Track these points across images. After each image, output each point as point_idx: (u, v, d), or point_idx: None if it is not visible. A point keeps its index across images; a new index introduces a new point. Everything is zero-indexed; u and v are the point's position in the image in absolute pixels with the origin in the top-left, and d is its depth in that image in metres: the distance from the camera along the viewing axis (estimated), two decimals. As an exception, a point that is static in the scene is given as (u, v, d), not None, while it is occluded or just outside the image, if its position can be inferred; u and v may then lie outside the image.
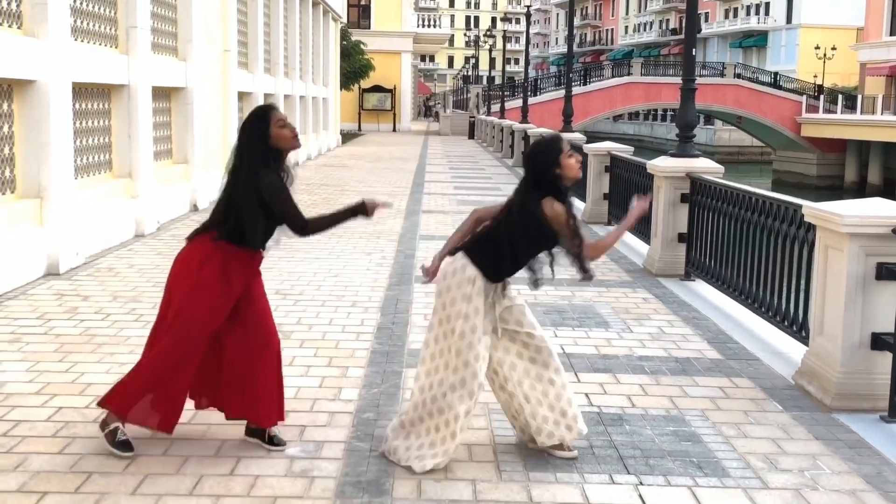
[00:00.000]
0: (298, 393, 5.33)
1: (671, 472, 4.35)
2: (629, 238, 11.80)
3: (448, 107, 60.56)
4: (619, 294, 8.40)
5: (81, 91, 9.86)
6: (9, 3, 8.32)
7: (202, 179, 13.89)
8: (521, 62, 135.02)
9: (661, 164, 9.41)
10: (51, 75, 8.59)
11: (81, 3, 9.99)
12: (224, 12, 16.05)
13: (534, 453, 4.51)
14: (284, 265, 9.43)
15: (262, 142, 4.24)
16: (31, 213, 8.48)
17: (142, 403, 4.31)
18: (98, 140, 10.64)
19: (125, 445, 4.31)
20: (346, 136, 40.58)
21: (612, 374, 5.87)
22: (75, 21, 9.76)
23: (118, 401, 4.31)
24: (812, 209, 5.55)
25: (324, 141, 30.43)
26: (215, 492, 3.99)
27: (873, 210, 5.16)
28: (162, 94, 13.09)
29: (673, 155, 9.46)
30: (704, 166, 9.02)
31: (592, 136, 59.97)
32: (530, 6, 30.85)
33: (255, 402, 4.45)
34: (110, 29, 10.78)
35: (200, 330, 4.28)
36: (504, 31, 41.56)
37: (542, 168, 4.24)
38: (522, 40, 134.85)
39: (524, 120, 26.52)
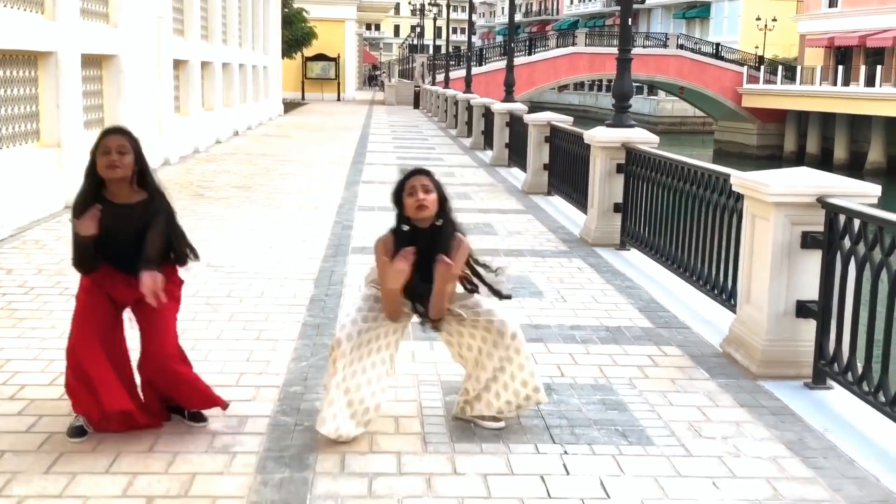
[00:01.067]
0: (224, 367, 5.24)
1: (596, 440, 4.36)
2: (565, 207, 11.85)
3: (394, 76, 60.13)
4: (554, 264, 8.41)
5: (4, 58, 9.52)
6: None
7: (136, 149, 13.57)
8: (466, 31, 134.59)
9: (597, 135, 9.41)
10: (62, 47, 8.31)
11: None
12: (158, -23, 15.66)
13: (460, 425, 4.49)
14: (217, 237, 9.27)
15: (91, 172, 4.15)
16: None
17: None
18: (24, 109, 10.32)
19: (78, 431, 4.17)
20: (289, 106, 40.09)
21: (543, 344, 5.86)
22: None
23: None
24: (740, 179, 5.58)
25: (265, 110, 30.00)
26: (133, 469, 3.90)
27: (799, 180, 5.20)
28: (92, 62, 12.74)
29: (609, 125, 9.47)
30: (640, 136, 9.04)
31: (537, 107, 60.07)
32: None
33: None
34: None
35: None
36: (448, 0, 41.19)
37: (393, 202, 4.20)
38: (467, 9, 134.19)
39: (468, 90, 26.40)
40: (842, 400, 4.92)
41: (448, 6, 41.48)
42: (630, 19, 9.44)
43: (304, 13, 43.38)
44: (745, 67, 53.83)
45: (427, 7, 54.06)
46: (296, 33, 41.49)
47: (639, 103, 66.44)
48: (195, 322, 6.15)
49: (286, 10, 40.23)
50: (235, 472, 3.91)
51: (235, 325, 6.13)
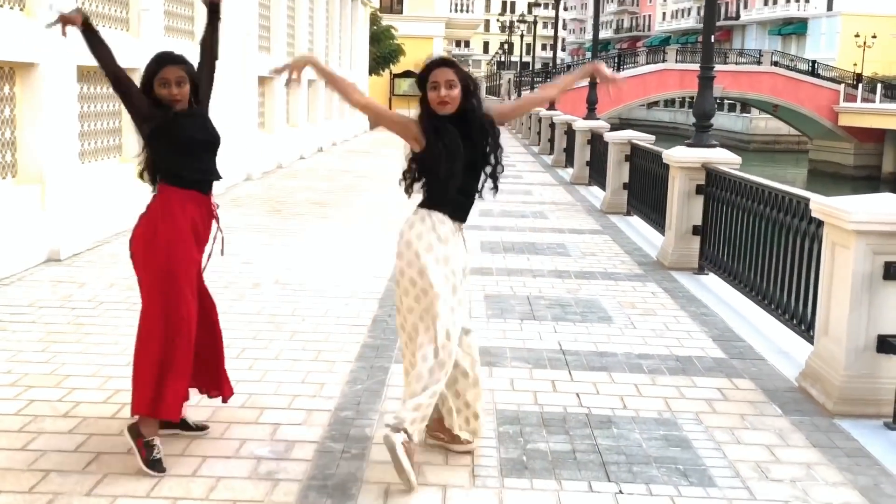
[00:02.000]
0: (279, 389, 5.18)
1: (654, 479, 4.13)
2: (643, 228, 11.55)
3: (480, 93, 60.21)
4: (627, 288, 8.16)
5: (87, 74, 9.75)
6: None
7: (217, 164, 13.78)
8: (559, 47, 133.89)
9: (676, 155, 9.13)
10: (46, 58, 8.50)
11: (89, -14, 9.88)
12: (244, -4, 15.93)
13: (512, 458, 4.31)
14: (288, 253, 9.30)
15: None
16: (33, 198, 8.40)
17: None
18: (106, 124, 10.55)
19: (157, 464, 4.03)
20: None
21: (607, 373, 5.65)
22: (80, 1, 9.64)
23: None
24: (819, 204, 5.29)
25: (350, 126, 30.30)
26: (174, 494, 3.84)
27: (883, 206, 4.89)
28: (178, 79, 12.98)
29: (689, 144, 9.17)
30: (721, 157, 8.73)
31: (626, 123, 59.37)
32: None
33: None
34: (121, 11, 10.67)
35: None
36: (535, 16, 40.99)
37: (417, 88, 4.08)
38: (559, 25, 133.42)
39: (551, 107, 26.13)
40: (926, 444, 4.58)
41: (535, 23, 41.29)
42: (713, 35, 9.15)
43: (393, 30, 43.71)
44: (843, 85, 52.13)
45: (515, 24, 53.99)
46: (384, 50, 41.80)
47: (731, 120, 65.07)
48: (256, 341, 6.12)
49: (374, 27, 40.62)
50: (276, 501, 3.82)
51: (295, 344, 6.07)
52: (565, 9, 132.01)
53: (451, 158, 3.96)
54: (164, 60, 4.19)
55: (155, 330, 4.07)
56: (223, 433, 4.49)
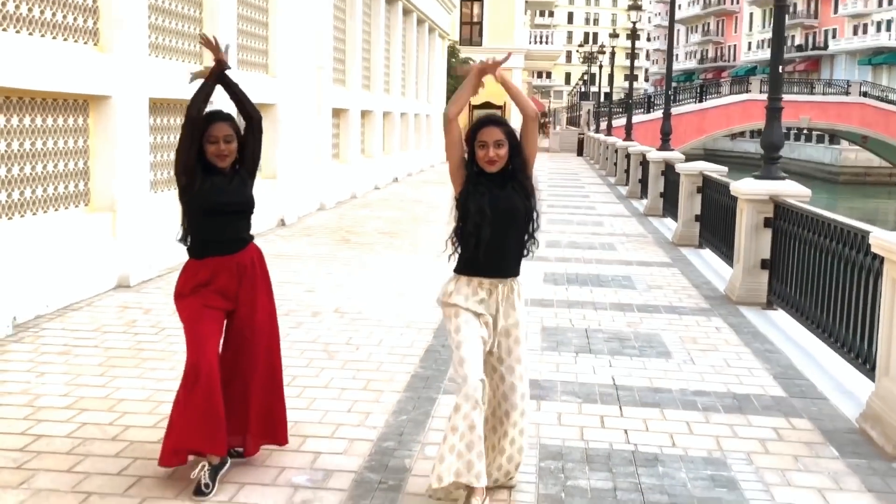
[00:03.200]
0: (325, 417, 5.22)
1: (695, 522, 4.02)
2: (714, 261, 11.33)
3: (560, 123, 60.14)
4: (690, 322, 8.00)
5: (158, 107, 10.06)
6: (84, 21, 8.57)
7: (290, 195, 14.05)
8: (641, 78, 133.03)
9: (743, 187, 8.95)
10: (123, 90, 8.81)
11: (157, 19, 10.21)
12: (318, 30, 16.25)
13: (551, 496, 4.25)
14: (352, 282, 9.38)
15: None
16: (104, 226, 8.67)
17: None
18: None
19: (200, 491, 4.11)
20: (453, 153, 40.56)
21: (659, 410, 5.53)
22: (153, 37, 9.98)
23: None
24: (879, 239, 5.11)
25: (426, 157, 30.56)
26: (208, 520, 3.89)
27: (944, 241, 4.70)
28: (252, 110, 13.29)
29: (757, 177, 8.99)
30: (790, 190, 8.53)
31: (711, 155, 58.27)
32: (636, 22, 30.21)
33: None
34: (192, 45, 11.00)
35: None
36: (612, 48, 40.82)
37: (466, 146, 4.12)
38: (642, 56, 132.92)
39: (627, 137, 25.96)
40: None
41: (613, 54, 41.13)
42: (785, 66, 8.97)
43: (471, 62, 44.12)
44: (936, 115, 50.54)
45: (595, 55, 53.90)
46: (461, 82, 42.15)
47: (819, 152, 63.49)
48: (308, 368, 6.18)
49: (453, 59, 40.99)
50: (307, 530, 3.83)
51: (346, 373, 6.11)
52: (648, 39, 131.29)
53: (480, 221, 3.98)
54: (213, 118, 4.31)
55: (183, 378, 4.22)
56: (265, 460, 4.54)
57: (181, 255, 4.47)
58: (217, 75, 4.39)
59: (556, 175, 28.96)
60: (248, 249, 4.46)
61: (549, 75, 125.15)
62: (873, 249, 5.25)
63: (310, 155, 15.83)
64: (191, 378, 4.12)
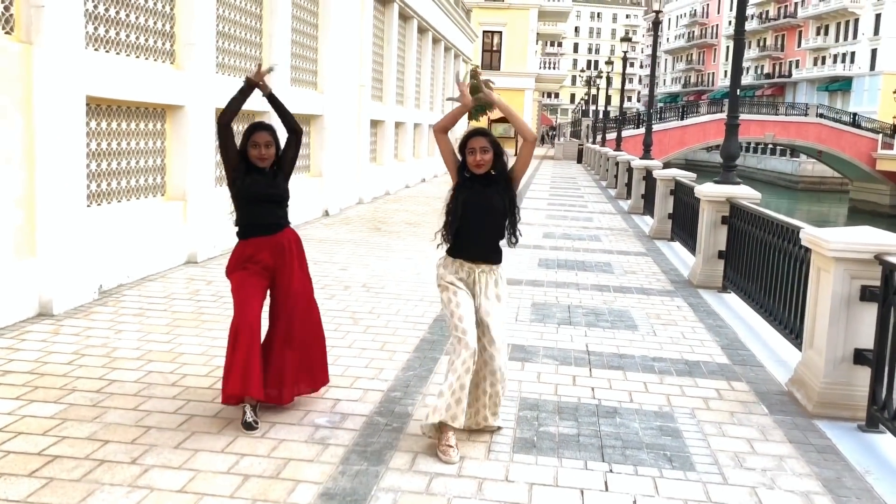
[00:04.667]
0: (346, 371, 5.27)
1: (642, 462, 4.04)
2: (682, 252, 11.27)
3: (563, 136, 59.76)
4: (657, 301, 7.98)
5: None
6: (162, 44, 8.67)
7: (333, 190, 14.12)
8: (634, 98, 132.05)
9: (705, 190, 8.90)
10: (194, 101, 8.89)
11: (223, 43, 10.29)
12: (360, 53, 16.29)
13: (526, 437, 4.29)
14: (379, 262, 9.44)
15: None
16: (177, 213, 8.78)
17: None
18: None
19: (249, 426, 4.18)
20: (474, 159, 40.48)
21: (622, 372, 5.54)
22: (220, 58, 10.06)
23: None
24: (808, 234, 5.08)
25: (451, 162, 30.48)
26: (243, 451, 3.97)
27: (859, 237, 4.67)
28: (303, 120, 13.37)
29: (717, 182, 8.93)
30: (742, 193, 8.46)
31: (690, 164, 57.22)
32: (626, 52, 29.92)
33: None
34: (250, 65, 11.08)
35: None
36: (608, 73, 40.56)
37: (459, 154, 4.16)
38: (636, 80, 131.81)
39: (618, 148, 25.78)
40: (891, 445, 4.34)
41: (609, 79, 40.81)
42: (738, 89, 8.90)
43: (491, 83, 43.92)
44: (881, 135, 49.68)
45: (594, 79, 53.41)
46: (482, 100, 41.95)
47: (781, 164, 62.60)
48: (336, 332, 6.24)
49: (474, 81, 40.86)
50: (323, 461, 3.89)
51: (367, 336, 6.17)
52: (641, 66, 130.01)
53: (461, 213, 4.07)
54: (257, 127, 4.40)
55: (230, 331, 4.26)
56: (293, 405, 4.60)
57: (235, 238, 4.53)
58: (266, 95, 4.56)
59: (557, 179, 28.82)
60: (285, 232, 4.51)
61: (556, 95, 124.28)
62: (803, 243, 5.22)
63: (351, 158, 15.89)
64: (233, 334, 4.19)
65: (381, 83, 19.18)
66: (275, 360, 4.42)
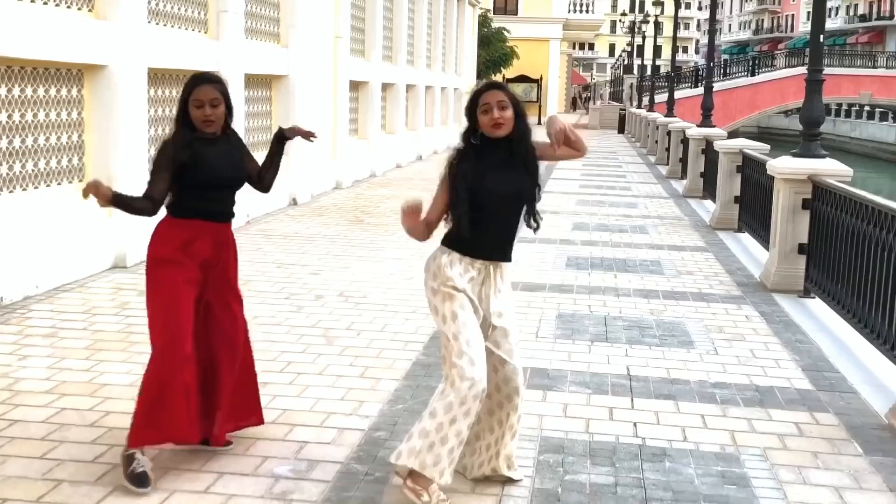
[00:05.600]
0: (316, 405, 5.26)
1: (698, 520, 4.01)
2: (752, 245, 11.23)
3: (600, 99, 59.82)
4: (719, 310, 7.95)
5: (159, 77, 10.13)
6: None
7: (303, 172, 14.11)
8: (691, 49, 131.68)
9: (779, 165, 8.87)
10: (121, 60, 8.90)
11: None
12: (335, -4, 16.31)
13: (545, 491, 4.26)
14: (360, 265, 9.43)
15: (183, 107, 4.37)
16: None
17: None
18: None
19: (141, 479, 4.11)
20: (485, 129, 40.54)
21: (674, 402, 5.52)
22: (153, 4, 10.06)
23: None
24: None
25: (453, 133, 30.51)
26: (181, 509, 3.95)
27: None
28: (263, 82, 13.38)
29: (795, 154, 8.89)
30: (830, 168, 8.42)
31: (764, 133, 57.10)
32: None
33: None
34: (200, 13, 11.06)
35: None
36: (655, 16, 40.44)
37: (466, 118, 4.11)
38: (692, 25, 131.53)
39: (669, 113, 25.73)
40: None
41: (657, 23, 40.76)
42: (822, 35, 8.85)
43: (505, 32, 43.94)
44: None
45: (638, 25, 53.45)
46: (494, 54, 42.07)
47: (882, 131, 62.52)
48: (303, 355, 6.23)
49: (484, 29, 40.92)
50: (284, 523, 3.87)
51: (343, 360, 6.15)
52: (699, 8, 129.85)
53: (484, 202, 3.98)
54: (198, 80, 4.35)
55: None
56: (247, 450, 4.58)
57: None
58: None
59: (592, 153, 28.70)
60: (229, 225, 4.53)
61: (591, 47, 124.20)
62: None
63: (325, 130, 15.88)
64: (164, 371, 4.16)
65: (364, 34, 19.18)
66: (208, 386, 4.40)
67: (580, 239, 11.56)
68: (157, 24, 10.14)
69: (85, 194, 4.12)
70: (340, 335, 6.76)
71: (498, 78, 47.55)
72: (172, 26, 10.49)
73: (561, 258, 10.11)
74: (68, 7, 8.49)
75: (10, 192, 7.86)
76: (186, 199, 4.35)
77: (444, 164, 4.12)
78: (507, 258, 4.17)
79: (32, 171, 8.14)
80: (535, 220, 4.18)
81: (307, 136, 4.79)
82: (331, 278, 8.74)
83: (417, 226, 4.09)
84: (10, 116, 7.79)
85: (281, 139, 4.73)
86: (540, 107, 52.01)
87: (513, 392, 4.15)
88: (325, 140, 15.93)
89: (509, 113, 3.99)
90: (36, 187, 8.19)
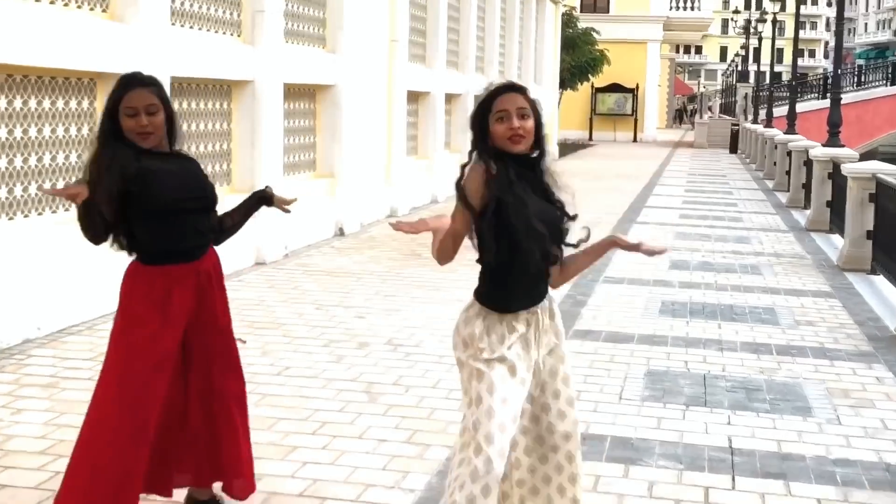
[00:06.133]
0: (352, 475, 5.27)
1: None
2: (889, 291, 11.01)
3: (708, 112, 59.46)
4: (844, 370, 7.79)
5: (182, 89, 10.34)
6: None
7: (351, 198, 14.25)
8: (818, 54, 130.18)
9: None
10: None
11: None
12: (392, -6, 16.53)
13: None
14: (414, 306, 9.46)
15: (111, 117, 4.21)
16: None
17: None
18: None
19: None
20: (568, 147, 40.63)
21: (784, 482, 5.41)
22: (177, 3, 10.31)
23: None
24: None
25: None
26: None
27: None
28: (306, 93, 13.58)
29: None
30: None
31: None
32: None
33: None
34: (231, 13, 11.29)
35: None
36: (774, 15, 40.06)
37: (471, 128, 3.92)
38: (820, 25, 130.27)
39: (790, 129, 25.46)
40: None
41: (775, 22, 40.41)
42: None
43: (593, 34, 43.97)
44: None
45: (754, 24, 53.10)
46: (580, 59, 42.08)
47: None
48: (341, 414, 6.27)
49: (569, 30, 40.99)
50: None
51: (388, 420, 6.16)
52: (828, 4, 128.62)
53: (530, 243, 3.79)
54: (130, 83, 4.20)
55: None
56: (266, 525, 4.59)
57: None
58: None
59: (697, 177, 28.60)
60: (209, 253, 4.43)
61: (698, 50, 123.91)
62: None
63: (378, 149, 16.03)
64: (109, 430, 4.16)
65: (425, 37, 19.37)
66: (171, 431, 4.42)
67: (678, 280, 11.45)
68: (182, 25, 10.37)
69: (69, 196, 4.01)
70: (385, 391, 6.78)
71: (585, 88, 47.65)
72: (200, 28, 10.70)
73: (654, 303, 10.03)
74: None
75: (10, 218, 8.06)
76: (147, 239, 4.24)
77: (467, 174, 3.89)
78: (545, 293, 4.01)
79: (24, 196, 8.33)
80: (556, 254, 3.98)
81: (284, 209, 4.63)
82: (378, 323, 8.78)
83: (444, 241, 3.95)
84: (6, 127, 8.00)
85: (262, 201, 4.57)
86: (636, 121, 51.94)
87: (572, 478, 4.02)
88: (379, 160, 16.08)
89: (531, 123, 3.83)
90: (26, 215, 8.37)
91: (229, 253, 10.18)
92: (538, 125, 3.87)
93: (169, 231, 4.24)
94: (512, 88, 3.87)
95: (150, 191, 4.14)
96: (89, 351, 7.53)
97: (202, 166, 4.53)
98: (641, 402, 6.75)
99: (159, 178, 4.16)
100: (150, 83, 4.23)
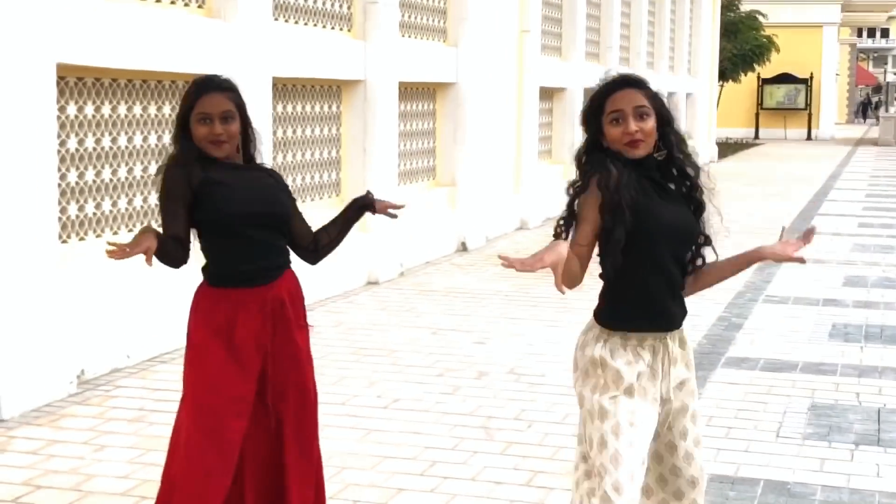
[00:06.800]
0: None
1: None
2: None
3: (893, 103, 57.93)
4: None
5: (281, 90, 10.52)
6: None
7: (475, 209, 14.30)
8: None
9: None
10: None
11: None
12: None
13: None
14: (540, 330, 9.44)
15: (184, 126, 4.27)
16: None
17: None
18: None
19: None
20: (731, 147, 40.09)
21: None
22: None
23: None
24: None
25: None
26: None
27: None
28: (424, 92, 13.70)
29: None
30: None
31: None
32: None
33: None
34: (342, 6, 11.46)
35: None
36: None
37: (583, 128, 3.83)
38: None
39: None
40: None
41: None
42: None
43: (759, 17, 43.29)
44: None
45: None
46: (744, 46, 41.47)
47: None
48: (454, 452, 6.29)
49: (730, 14, 40.43)
50: None
51: (507, 460, 6.16)
52: None
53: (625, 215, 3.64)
54: (205, 87, 4.26)
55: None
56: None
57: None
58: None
59: (881, 179, 27.87)
60: (284, 278, 4.35)
61: (884, 34, 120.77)
62: None
63: (505, 154, 16.05)
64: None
65: (560, 26, 19.36)
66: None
67: (853, 299, 11.20)
68: (286, 20, 10.58)
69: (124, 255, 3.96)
70: (505, 426, 6.78)
71: (749, 79, 46.92)
72: (306, 23, 10.90)
73: (823, 326, 9.83)
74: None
75: (98, 235, 8.29)
76: (210, 254, 4.30)
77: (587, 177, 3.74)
78: (681, 321, 3.94)
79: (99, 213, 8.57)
80: (694, 266, 3.90)
81: (391, 214, 4.57)
82: (500, 349, 8.79)
83: (570, 264, 3.66)
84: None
85: (363, 208, 4.51)
86: (810, 116, 50.91)
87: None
88: (507, 166, 16.09)
89: (651, 124, 3.71)
90: (115, 232, 8.60)
91: (338, 271, 10.52)
92: (665, 122, 3.77)
93: (230, 250, 4.24)
94: (627, 83, 3.77)
95: (211, 205, 4.18)
96: (180, 381, 7.68)
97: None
98: (802, 441, 6.62)
99: (223, 192, 4.18)
100: (227, 88, 4.27)
